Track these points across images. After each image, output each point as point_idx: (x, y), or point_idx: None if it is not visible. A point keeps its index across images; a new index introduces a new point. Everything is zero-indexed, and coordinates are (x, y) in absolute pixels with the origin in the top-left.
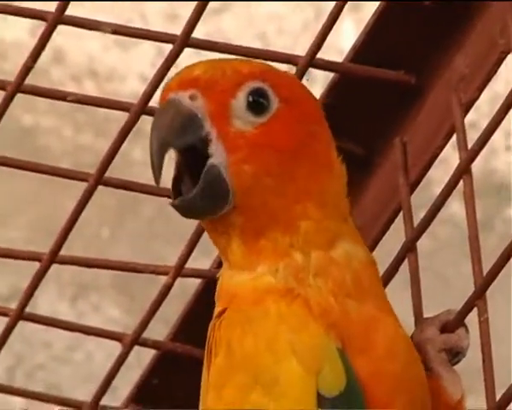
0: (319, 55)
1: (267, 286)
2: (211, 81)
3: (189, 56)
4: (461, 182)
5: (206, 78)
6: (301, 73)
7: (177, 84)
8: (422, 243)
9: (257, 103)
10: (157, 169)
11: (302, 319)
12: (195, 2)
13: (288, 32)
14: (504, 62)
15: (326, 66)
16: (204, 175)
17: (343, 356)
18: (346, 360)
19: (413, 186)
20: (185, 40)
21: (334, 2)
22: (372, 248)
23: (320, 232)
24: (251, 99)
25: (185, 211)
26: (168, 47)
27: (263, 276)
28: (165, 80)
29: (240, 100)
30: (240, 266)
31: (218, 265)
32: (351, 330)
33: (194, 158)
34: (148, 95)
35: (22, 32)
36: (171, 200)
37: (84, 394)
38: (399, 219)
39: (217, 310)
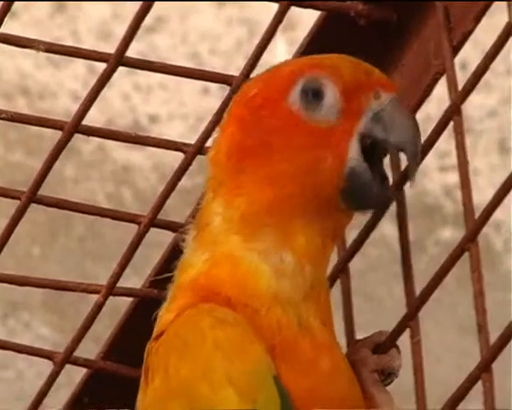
0: (253, 75)
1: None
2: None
3: (123, 76)
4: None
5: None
6: (235, 94)
7: (392, 85)
8: (354, 264)
9: None
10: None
11: (239, 347)
12: (129, 20)
13: (222, 51)
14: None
15: None
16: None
17: (278, 384)
18: (280, 387)
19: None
20: (119, 59)
21: (268, 22)
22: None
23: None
24: None
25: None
26: (100, 65)
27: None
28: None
29: None
30: (290, 254)
31: (150, 283)
32: (297, 351)
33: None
34: (82, 113)
35: None
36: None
37: None
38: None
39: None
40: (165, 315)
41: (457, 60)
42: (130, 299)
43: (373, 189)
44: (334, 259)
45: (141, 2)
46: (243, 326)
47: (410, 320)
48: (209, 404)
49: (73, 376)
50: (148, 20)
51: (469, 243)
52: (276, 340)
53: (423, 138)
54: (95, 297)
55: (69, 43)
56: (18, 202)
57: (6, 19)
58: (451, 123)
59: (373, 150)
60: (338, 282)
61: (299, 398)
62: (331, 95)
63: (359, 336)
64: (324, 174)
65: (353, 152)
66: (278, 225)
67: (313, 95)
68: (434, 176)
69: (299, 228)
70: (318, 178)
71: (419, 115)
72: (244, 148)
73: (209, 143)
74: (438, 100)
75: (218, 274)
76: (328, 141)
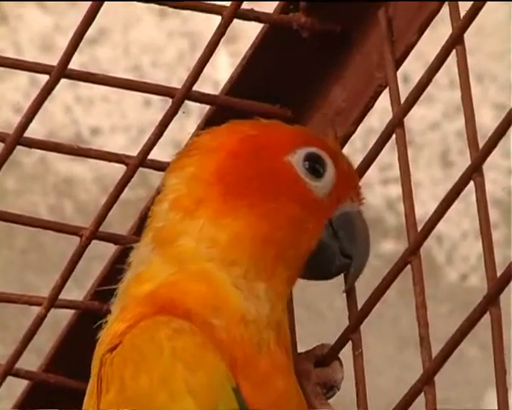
0: (195, 88)
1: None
2: None
3: (65, 88)
4: None
5: None
6: (177, 106)
7: (361, 197)
8: None
9: None
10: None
11: (197, 357)
12: (72, 31)
13: (164, 63)
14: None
15: (202, 98)
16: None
17: (238, 394)
18: (240, 398)
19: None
20: (61, 71)
21: (210, 34)
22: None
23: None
24: None
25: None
26: (43, 77)
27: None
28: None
29: None
30: (261, 289)
31: (92, 296)
32: (256, 367)
33: None
34: (24, 125)
35: None
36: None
37: None
38: None
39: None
40: (114, 324)
41: (400, 72)
42: (72, 311)
43: (335, 261)
44: None
45: (83, 14)
46: (201, 337)
47: (352, 333)
48: None
49: (15, 388)
50: (90, 31)
51: (411, 255)
52: (237, 354)
53: (365, 151)
54: (36, 309)
55: (11, 54)
56: None
57: None
58: (394, 136)
59: None
60: None
61: None
62: (330, 172)
63: (301, 348)
64: (305, 235)
65: (327, 230)
66: (259, 259)
67: (317, 165)
68: (376, 189)
69: (276, 269)
70: (301, 236)
71: (361, 128)
72: (237, 178)
73: (151, 155)
74: (380, 112)
75: (184, 288)
76: (316, 210)
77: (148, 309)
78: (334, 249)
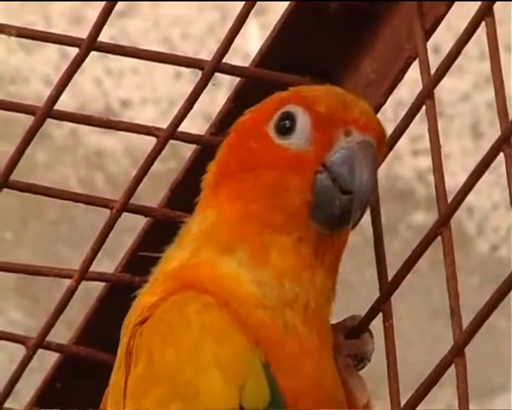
0: (225, 60)
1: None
2: (384, 138)
3: (95, 61)
4: None
5: (384, 133)
6: (207, 78)
7: (370, 127)
8: None
9: None
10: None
11: (225, 332)
12: (101, 4)
13: (194, 36)
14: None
15: (232, 71)
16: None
17: (267, 371)
18: (270, 376)
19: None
20: (91, 44)
21: (240, 6)
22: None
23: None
24: None
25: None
26: (72, 50)
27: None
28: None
29: None
30: (266, 268)
31: (123, 268)
32: (282, 350)
33: None
34: (54, 98)
35: None
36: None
37: None
38: None
39: (161, 291)
40: (145, 297)
41: (430, 44)
42: (103, 284)
43: (336, 202)
44: None
45: None
46: (227, 313)
47: (382, 304)
48: (193, 388)
49: (46, 361)
50: (119, 4)
51: (442, 227)
52: (259, 337)
53: (396, 123)
54: (67, 282)
55: (41, 27)
56: None
57: None
58: (424, 107)
59: None
60: None
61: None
62: (301, 124)
63: (332, 321)
64: (289, 192)
65: (321, 175)
66: (250, 239)
67: (286, 122)
68: (407, 160)
69: (272, 245)
70: (283, 196)
71: (391, 99)
72: (225, 167)
73: (181, 127)
74: (410, 84)
75: (200, 272)
76: (296, 164)
77: (174, 284)
78: (331, 191)
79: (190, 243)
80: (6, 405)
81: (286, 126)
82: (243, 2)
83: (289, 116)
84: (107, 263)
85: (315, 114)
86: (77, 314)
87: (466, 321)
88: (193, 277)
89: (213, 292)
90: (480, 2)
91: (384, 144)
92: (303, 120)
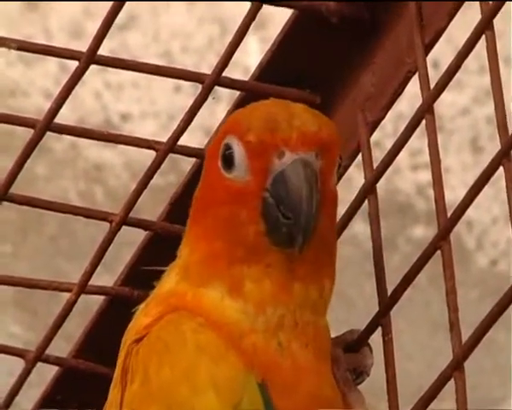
0: (225, 74)
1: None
2: (329, 143)
3: (95, 74)
4: (365, 202)
5: (326, 139)
6: (207, 92)
7: (303, 142)
8: None
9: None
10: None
11: (221, 351)
12: (101, 17)
13: (194, 49)
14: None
15: (232, 84)
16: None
17: (263, 391)
18: (266, 395)
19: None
20: (91, 57)
21: (240, 19)
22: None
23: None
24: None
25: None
26: (72, 63)
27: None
28: None
29: None
30: (245, 298)
31: (122, 282)
32: (278, 371)
33: None
34: (54, 111)
35: None
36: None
37: None
38: None
39: (153, 313)
40: (141, 318)
41: (430, 58)
42: (102, 297)
43: (282, 228)
44: None
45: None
46: (228, 336)
47: (381, 318)
48: (189, 407)
49: (45, 374)
50: (119, 18)
51: (441, 241)
52: (253, 361)
53: (396, 137)
54: (66, 295)
55: (41, 40)
56: None
57: None
58: (423, 121)
59: None
60: None
61: None
62: (238, 156)
63: (331, 334)
64: (242, 226)
65: (267, 199)
66: (222, 276)
67: (227, 153)
68: (406, 174)
69: (243, 277)
70: (238, 231)
71: (391, 113)
72: (196, 200)
73: (181, 141)
74: (410, 98)
75: (187, 299)
76: (242, 197)
77: (168, 309)
78: (276, 217)
79: (176, 272)
80: None
81: (228, 159)
82: (243, 16)
83: (229, 148)
84: (107, 277)
85: (246, 143)
86: (76, 328)
87: (465, 335)
88: (182, 304)
89: (203, 317)
90: (479, 16)
91: (332, 150)
92: (238, 151)
